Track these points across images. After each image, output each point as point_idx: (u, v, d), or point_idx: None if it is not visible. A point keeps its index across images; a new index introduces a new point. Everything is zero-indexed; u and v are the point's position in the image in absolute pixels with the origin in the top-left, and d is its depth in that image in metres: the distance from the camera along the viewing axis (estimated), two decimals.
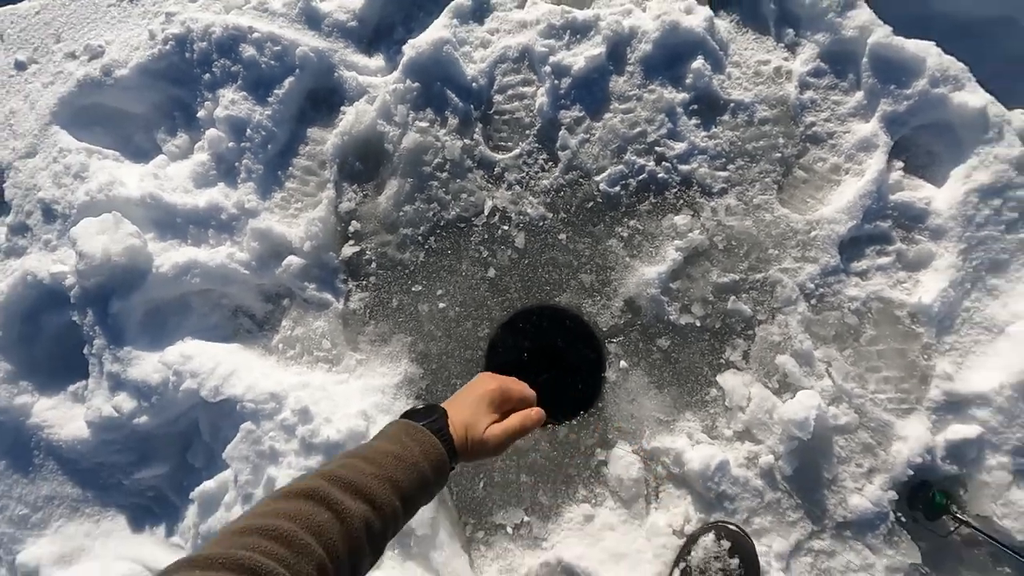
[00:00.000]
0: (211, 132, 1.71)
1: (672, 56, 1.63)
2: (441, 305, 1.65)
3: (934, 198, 1.52)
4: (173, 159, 1.78)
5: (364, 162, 1.70)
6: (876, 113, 1.55)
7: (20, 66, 1.87)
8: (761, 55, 1.65)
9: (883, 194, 1.52)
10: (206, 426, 1.63)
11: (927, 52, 1.50)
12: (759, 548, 1.40)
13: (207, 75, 1.74)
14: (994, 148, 1.47)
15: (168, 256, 1.62)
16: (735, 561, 1.34)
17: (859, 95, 1.57)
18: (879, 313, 1.50)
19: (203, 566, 0.60)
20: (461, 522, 1.56)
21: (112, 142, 1.83)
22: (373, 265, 1.67)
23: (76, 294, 1.62)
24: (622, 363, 1.58)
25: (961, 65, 1.50)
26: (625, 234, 1.62)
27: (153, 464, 1.67)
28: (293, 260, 1.64)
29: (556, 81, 1.64)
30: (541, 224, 1.65)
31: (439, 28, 1.69)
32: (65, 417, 1.70)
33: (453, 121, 1.67)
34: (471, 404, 0.96)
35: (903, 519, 1.43)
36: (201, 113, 1.75)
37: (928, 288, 1.48)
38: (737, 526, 1.39)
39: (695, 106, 1.62)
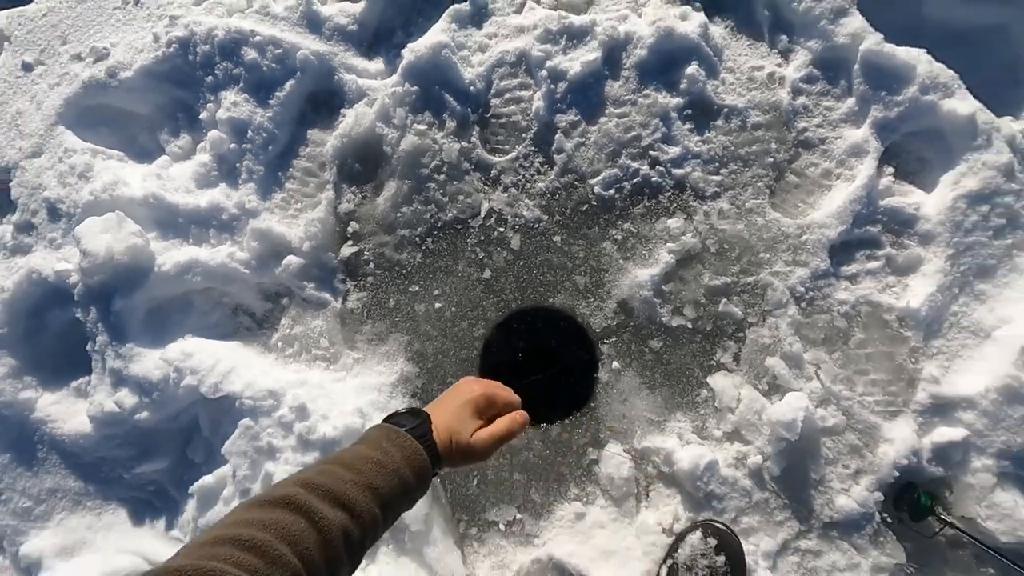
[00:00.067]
0: (213, 133, 1.73)
1: (667, 61, 1.66)
2: (437, 305, 1.67)
3: (923, 203, 1.54)
4: (176, 160, 1.80)
5: (363, 164, 1.73)
6: (867, 119, 1.57)
7: (27, 67, 1.89)
8: (755, 61, 1.67)
9: (873, 199, 1.54)
10: (206, 422, 1.65)
11: (917, 59, 1.52)
12: (747, 547, 1.42)
13: (210, 77, 1.76)
14: (983, 155, 1.49)
15: (170, 255, 1.65)
16: (721, 558, 1.36)
17: (851, 101, 1.59)
18: (868, 317, 1.52)
19: None
20: (455, 519, 1.59)
21: (116, 142, 1.86)
22: (371, 265, 1.70)
23: (80, 292, 1.65)
24: (614, 364, 1.60)
25: (951, 72, 1.52)
26: (619, 237, 1.64)
27: (154, 459, 1.69)
28: (292, 260, 1.66)
29: (552, 85, 1.66)
30: (536, 226, 1.67)
31: (438, 32, 1.72)
32: (68, 412, 1.72)
33: (451, 124, 1.69)
34: (456, 409, 0.95)
35: (889, 520, 1.45)
36: (203, 115, 1.78)
37: (916, 292, 1.50)
38: (724, 524, 1.42)
39: (689, 111, 1.64)
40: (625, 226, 1.64)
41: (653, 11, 1.70)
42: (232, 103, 1.73)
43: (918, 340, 1.49)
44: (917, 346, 1.49)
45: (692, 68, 1.63)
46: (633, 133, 1.64)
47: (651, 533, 1.47)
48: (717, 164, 1.63)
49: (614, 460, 1.54)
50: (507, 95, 1.71)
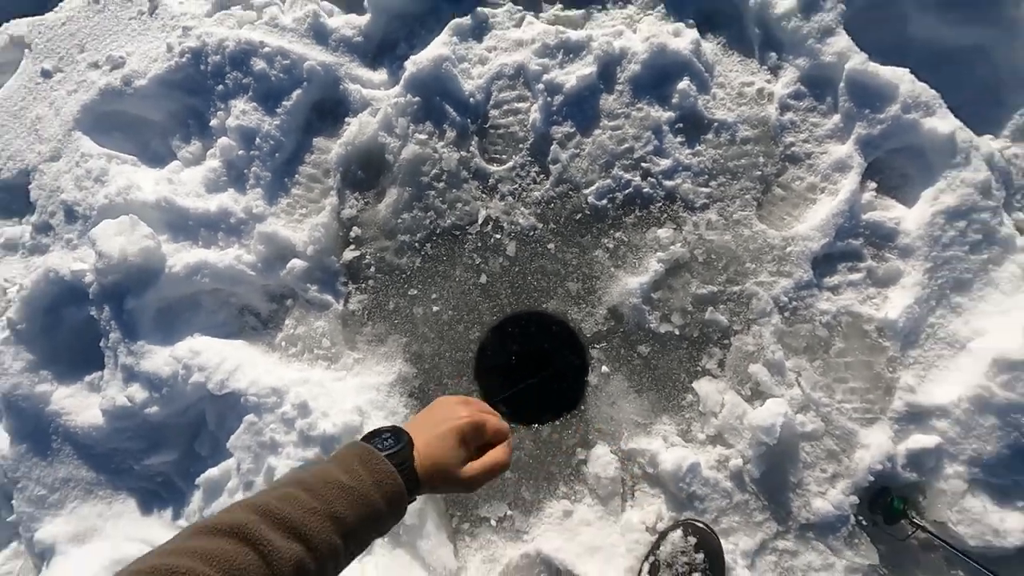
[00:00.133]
0: (223, 140, 1.80)
1: (660, 76, 1.70)
2: (435, 308, 1.73)
3: (904, 218, 1.59)
4: (187, 165, 1.87)
5: (366, 171, 1.79)
6: (851, 136, 1.61)
7: (46, 74, 1.96)
8: (745, 77, 1.72)
9: (856, 213, 1.59)
10: (212, 417, 1.70)
11: (900, 79, 1.57)
12: (726, 546, 1.48)
13: (220, 86, 1.82)
14: (961, 172, 1.53)
15: (180, 257, 1.71)
16: (700, 556, 1.42)
17: (836, 118, 1.64)
18: (848, 327, 1.57)
19: None
20: (448, 514, 1.65)
21: (130, 147, 1.92)
22: (372, 269, 1.76)
23: (94, 291, 1.71)
24: (604, 368, 1.66)
25: (933, 92, 1.57)
26: (611, 245, 1.70)
27: (162, 451, 1.74)
28: (297, 263, 1.72)
29: (549, 98, 1.72)
30: (532, 234, 1.73)
31: (439, 45, 1.77)
32: (81, 405, 1.77)
33: (451, 134, 1.75)
34: (442, 438, 0.88)
35: (863, 522, 1.50)
36: (214, 122, 1.84)
37: (895, 304, 1.55)
38: (704, 523, 1.47)
39: (680, 125, 1.69)
40: (617, 235, 1.70)
41: (647, 27, 1.75)
42: (241, 111, 1.79)
43: (896, 350, 1.54)
44: (895, 356, 1.54)
45: (684, 83, 1.68)
46: (626, 145, 1.69)
47: (635, 531, 1.53)
48: (707, 176, 1.68)
49: (602, 460, 1.59)
50: (505, 107, 1.77)
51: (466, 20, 1.80)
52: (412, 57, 1.78)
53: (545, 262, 1.72)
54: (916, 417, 1.51)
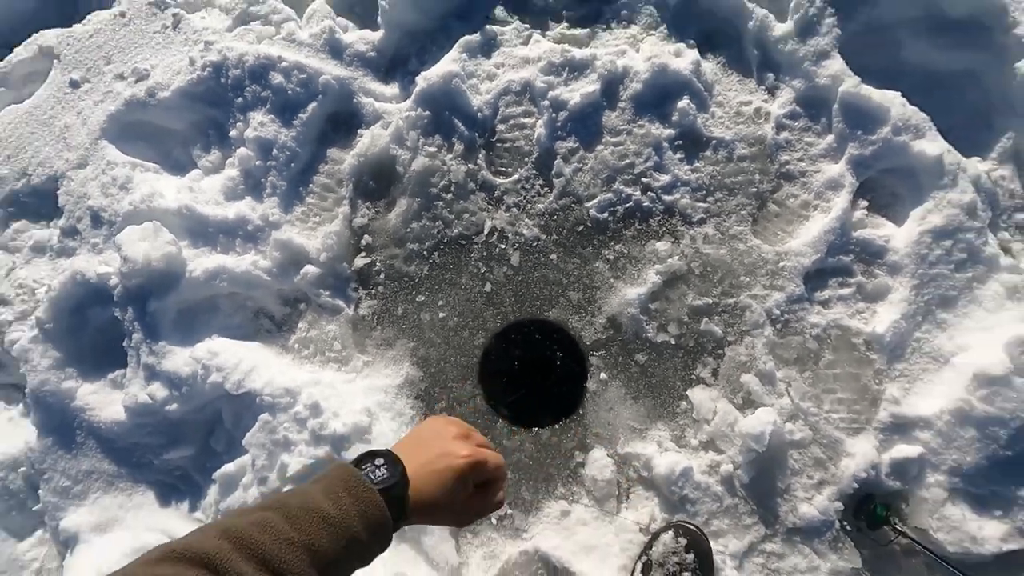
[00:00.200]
0: (241, 150, 1.86)
1: (661, 95, 1.76)
2: (441, 315, 1.80)
3: (893, 236, 1.64)
4: (207, 173, 1.94)
5: (377, 182, 1.86)
6: (844, 156, 1.67)
7: (74, 84, 2.03)
8: (743, 96, 1.78)
9: (847, 230, 1.65)
10: (228, 415, 1.77)
11: (892, 102, 1.62)
12: (716, 547, 1.54)
13: (240, 99, 1.89)
14: (948, 193, 1.59)
15: (200, 262, 1.77)
16: (690, 556, 1.49)
17: (830, 138, 1.70)
18: (837, 340, 1.63)
19: None
20: None
21: (153, 156, 1.99)
22: (382, 276, 1.83)
23: (119, 293, 1.78)
24: (602, 375, 1.73)
25: (923, 115, 1.62)
26: (611, 257, 1.76)
27: (180, 447, 1.81)
28: (310, 269, 1.79)
29: (554, 114, 1.77)
30: (535, 244, 1.79)
31: (449, 62, 1.84)
32: (105, 401, 1.83)
33: (459, 147, 1.81)
34: (439, 475, 0.83)
35: (848, 528, 1.56)
36: (233, 133, 1.90)
37: (883, 319, 1.60)
38: (694, 525, 1.54)
39: (680, 142, 1.75)
40: (617, 247, 1.76)
41: (649, 47, 1.82)
42: (259, 123, 1.86)
43: (882, 363, 1.60)
44: (881, 368, 1.60)
45: (684, 102, 1.74)
46: (627, 161, 1.76)
47: (629, 531, 1.60)
48: (704, 192, 1.74)
49: (598, 463, 1.66)
50: (512, 121, 1.83)
51: (475, 37, 1.86)
52: (423, 73, 1.84)
53: (547, 272, 1.78)
54: (900, 428, 1.57)
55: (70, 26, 2.11)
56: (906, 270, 1.61)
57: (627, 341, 1.73)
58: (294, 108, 1.87)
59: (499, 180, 1.82)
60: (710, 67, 1.80)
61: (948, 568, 1.46)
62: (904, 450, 1.54)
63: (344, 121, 1.91)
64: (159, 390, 1.73)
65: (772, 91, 1.77)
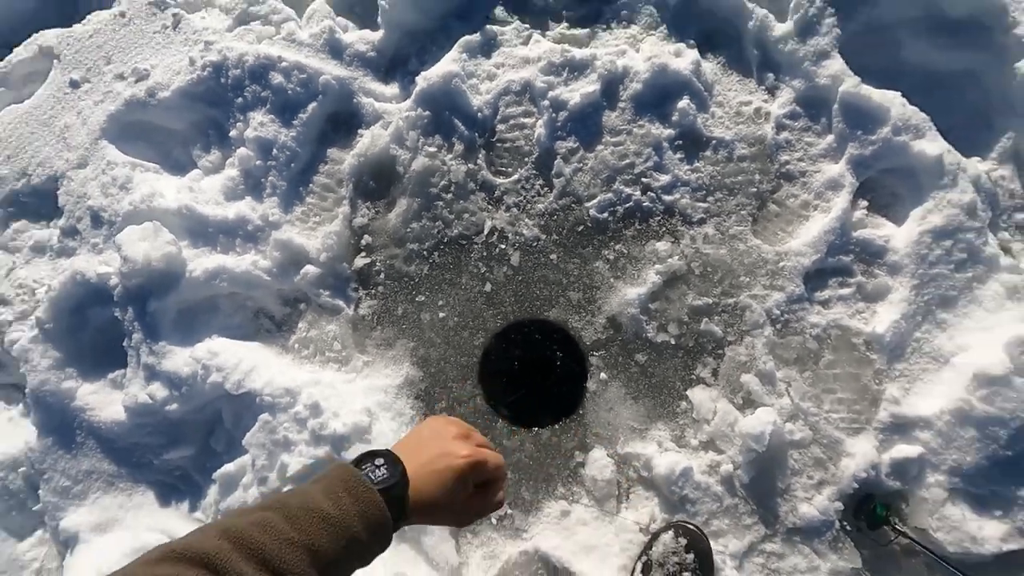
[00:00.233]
0: (241, 150, 1.86)
1: (661, 95, 1.76)
2: (441, 315, 1.81)
3: (893, 236, 1.65)
4: (207, 173, 1.94)
5: (377, 182, 1.86)
6: (844, 156, 1.67)
7: (74, 84, 2.03)
8: (743, 96, 1.78)
9: (847, 230, 1.65)
10: (228, 415, 1.78)
11: (891, 102, 1.63)
12: (716, 547, 1.54)
13: (239, 99, 1.89)
14: (948, 193, 1.59)
15: (200, 262, 1.78)
16: (690, 556, 1.49)
17: (830, 138, 1.70)
18: (837, 340, 1.63)
19: None
20: None
21: (153, 156, 1.99)
22: (381, 276, 1.83)
23: (119, 293, 1.78)
24: (602, 375, 1.73)
25: (923, 115, 1.62)
26: (611, 257, 1.76)
27: (180, 447, 1.81)
28: (310, 269, 1.79)
29: (554, 114, 1.78)
30: (535, 244, 1.79)
31: (449, 62, 1.84)
32: (105, 401, 1.83)
33: (459, 147, 1.81)
34: (439, 475, 0.84)
35: (848, 528, 1.57)
36: (233, 133, 1.90)
37: (883, 319, 1.61)
38: (694, 525, 1.54)
39: (680, 142, 1.75)
40: (617, 247, 1.76)
41: (649, 47, 1.82)
42: (259, 123, 1.86)
43: (882, 363, 1.60)
44: (881, 368, 1.60)
45: (684, 102, 1.74)
46: (627, 161, 1.76)
47: (629, 531, 1.60)
48: (704, 192, 1.74)
49: (598, 463, 1.67)
50: (512, 121, 1.83)
51: (475, 37, 1.86)
52: (423, 73, 1.84)
53: (547, 272, 1.79)
54: (900, 428, 1.57)
55: (70, 26, 2.12)
56: (906, 270, 1.61)
57: (627, 341, 1.73)
58: (294, 108, 1.87)
59: (499, 180, 1.82)
60: (710, 67, 1.81)
61: (948, 568, 1.46)
62: (904, 450, 1.54)
63: (344, 121, 1.91)
64: (159, 390, 1.74)
65: (772, 91, 1.77)
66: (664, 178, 1.74)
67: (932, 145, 1.60)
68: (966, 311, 1.59)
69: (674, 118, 1.75)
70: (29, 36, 2.16)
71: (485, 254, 1.81)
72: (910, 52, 1.76)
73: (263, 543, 0.66)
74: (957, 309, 1.59)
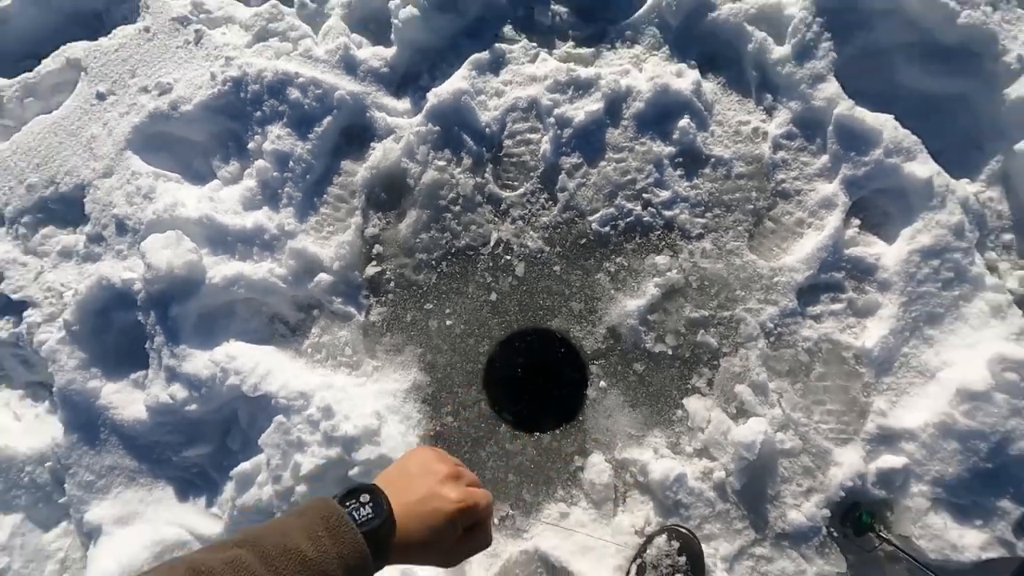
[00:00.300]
0: (259, 162, 1.94)
1: (662, 114, 1.83)
2: (448, 322, 1.88)
3: (884, 254, 1.70)
4: (226, 184, 2.01)
5: (388, 193, 1.93)
6: (838, 176, 1.73)
7: (100, 96, 2.11)
8: (742, 116, 1.84)
9: (839, 248, 1.71)
10: (245, 416, 1.84)
11: (884, 125, 1.68)
12: (707, 551, 1.61)
13: (258, 112, 1.96)
14: (936, 214, 1.64)
15: (219, 269, 1.84)
16: (683, 559, 1.56)
17: (824, 158, 1.76)
18: (828, 353, 1.69)
19: None
20: None
21: (175, 166, 2.07)
22: (392, 284, 1.90)
23: (142, 298, 1.85)
24: (602, 383, 1.80)
25: (914, 138, 1.68)
26: (612, 269, 1.83)
27: (198, 445, 1.87)
28: (323, 277, 1.86)
29: (559, 131, 1.84)
30: (539, 256, 1.86)
31: (459, 79, 1.91)
32: (127, 400, 1.89)
33: (467, 161, 1.88)
34: (429, 517, 0.81)
35: (834, 534, 1.63)
36: (251, 145, 1.97)
37: (872, 334, 1.66)
38: (687, 529, 1.61)
39: (680, 159, 1.81)
40: (618, 260, 1.83)
41: (652, 67, 1.88)
42: (276, 136, 1.93)
43: (871, 376, 1.66)
44: (870, 382, 1.66)
45: (684, 121, 1.80)
46: (629, 177, 1.82)
47: (625, 534, 1.67)
48: (703, 208, 1.80)
49: (597, 468, 1.73)
50: (518, 137, 1.90)
51: (484, 55, 1.93)
52: (434, 89, 1.91)
53: (551, 283, 1.85)
54: (886, 439, 1.62)
55: (96, 39, 2.19)
56: (895, 287, 1.67)
57: (626, 351, 1.80)
58: (310, 122, 1.93)
59: (505, 193, 1.88)
60: (710, 87, 1.87)
61: (930, 574, 1.52)
62: (890, 460, 1.59)
63: (357, 135, 1.98)
64: (179, 391, 1.81)
65: (770, 112, 1.83)
66: (664, 194, 1.80)
67: (923, 167, 1.66)
68: (952, 328, 1.64)
69: (675, 136, 1.81)
70: (57, 48, 2.23)
71: (491, 264, 1.88)
72: (904, 77, 1.81)
73: None
74: (943, 326, 1.65)
